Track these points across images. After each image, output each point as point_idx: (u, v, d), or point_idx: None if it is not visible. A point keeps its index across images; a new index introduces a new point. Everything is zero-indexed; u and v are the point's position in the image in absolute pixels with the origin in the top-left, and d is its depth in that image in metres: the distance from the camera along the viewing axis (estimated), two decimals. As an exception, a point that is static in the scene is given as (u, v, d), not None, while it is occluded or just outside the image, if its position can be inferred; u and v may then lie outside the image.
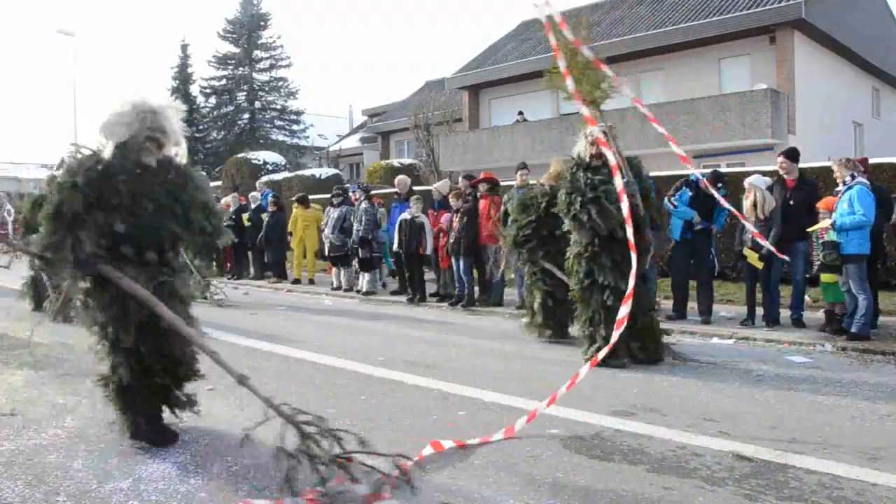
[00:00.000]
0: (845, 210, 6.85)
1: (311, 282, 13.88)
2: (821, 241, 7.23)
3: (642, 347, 6.02)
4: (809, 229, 7.55)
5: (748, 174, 8.89)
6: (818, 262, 7.26)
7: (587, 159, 6.17)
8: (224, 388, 5.25)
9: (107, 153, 3.77)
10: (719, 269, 10.69)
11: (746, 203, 7.77)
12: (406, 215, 10.96)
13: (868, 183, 7.04)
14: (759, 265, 7.60)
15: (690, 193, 8.30)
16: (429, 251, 10.82)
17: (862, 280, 6.82)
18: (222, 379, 5.53)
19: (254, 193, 15.85)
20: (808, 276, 7.95)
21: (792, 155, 7.96)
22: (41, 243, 3.73)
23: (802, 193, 7.74)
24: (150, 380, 3.89)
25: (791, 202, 7.68)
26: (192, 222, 4.00)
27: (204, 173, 4.69)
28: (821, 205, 7.53)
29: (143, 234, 3.83)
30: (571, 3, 27.16)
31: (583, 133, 6.22)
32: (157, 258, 3.90)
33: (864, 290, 6.82)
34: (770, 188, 7.80)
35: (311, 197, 14.98)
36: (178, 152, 4.10)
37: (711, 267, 8.51)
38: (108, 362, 3.91)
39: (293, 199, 14.59)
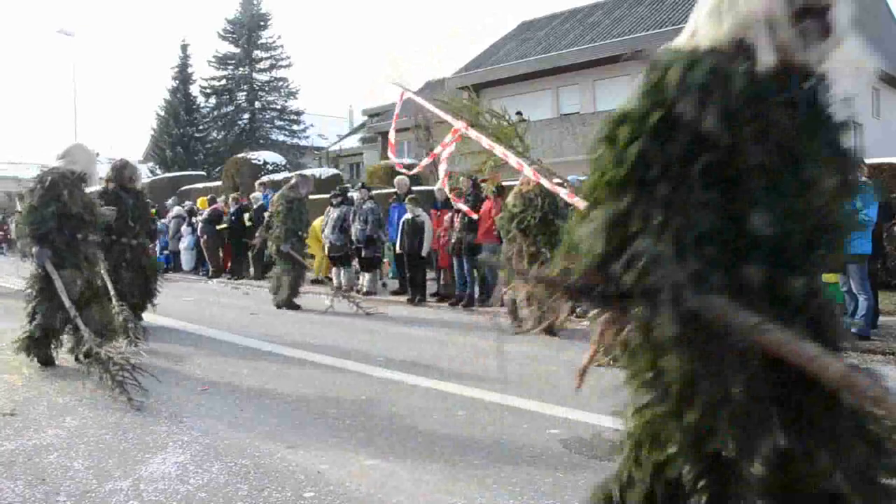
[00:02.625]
0: (847, 210, 6.86)
1: (320, 281, 13.92)
2: (822, 241, 7.24)
3: None
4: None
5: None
6: None
7: None
8: (223, 389, 5.27)
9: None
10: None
11: None
12: (408, 216, 11.00)
13: (872, 183, 7.07)
14: None
15: None
16: (423, 252, 10.84)
17: (863, 280, 6.82)
18: (222, 379, 5.56)
19: (255, 194, 15.84)
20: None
21: None
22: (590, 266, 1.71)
23: None
24: None
25: None
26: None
27: None
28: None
29: (798, 236, 1.70)
30: (573, 3, 27.27)
31: None
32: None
33: (865, 291, 6.82)
34: None
35: (310, 197, 14.95)
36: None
37: None
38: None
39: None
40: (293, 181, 10.66)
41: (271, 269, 14.51)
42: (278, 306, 10.17)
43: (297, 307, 10.14)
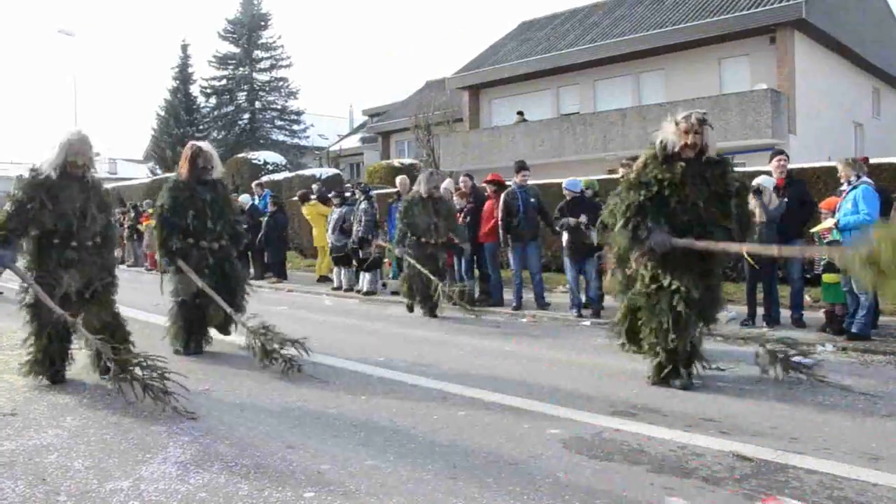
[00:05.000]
0: (849, 210, 6.86)
1: (323, 279, 13.90)
2: (824, 241, 7.23)
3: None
4: (813, 229, 7.57)
5: (748, 174, 8.88)
6: (822, 262, 7.26)
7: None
8: (224, 388, 5.27)
9: None
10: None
11: (754, 202, 7.77)
12: None
13: (872, 183, 7.07)
14: (758, 266, 7.61)
15: None
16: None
17: (864, 280, 6.82)
18: (223, 379, 5.56)
19: (242, 196, 15.66)
20: (807, 276, 7.96)
21: (787, 155, 8.18)
22: None
23: (793, 192, 7.84)
24: None
25: (784, 201, 7.75)
26: None
27: None
28: (823, 205, 7.56)
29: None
30: (573, 3, 27.26)
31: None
32: None
33: (867, 291, 6.82)
34: (776, 188, 7.84)
35: (311, 197, 14.95)
36: None
37: None
38: None
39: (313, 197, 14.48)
40: (419, 178, 9.61)
41: (269, 270, 14.56)
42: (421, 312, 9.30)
43: (434, 311, 9.08)
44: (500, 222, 9.62)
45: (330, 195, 13.80)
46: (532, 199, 9.58)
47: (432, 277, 8.88)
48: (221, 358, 6.45)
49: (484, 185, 10.56)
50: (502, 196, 9.73)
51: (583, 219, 8.76)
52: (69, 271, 5.17)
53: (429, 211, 9.10)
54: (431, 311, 9.07)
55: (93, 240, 5.32)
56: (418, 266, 8.93)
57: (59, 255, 5.16)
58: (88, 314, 5.32)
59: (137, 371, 4.69)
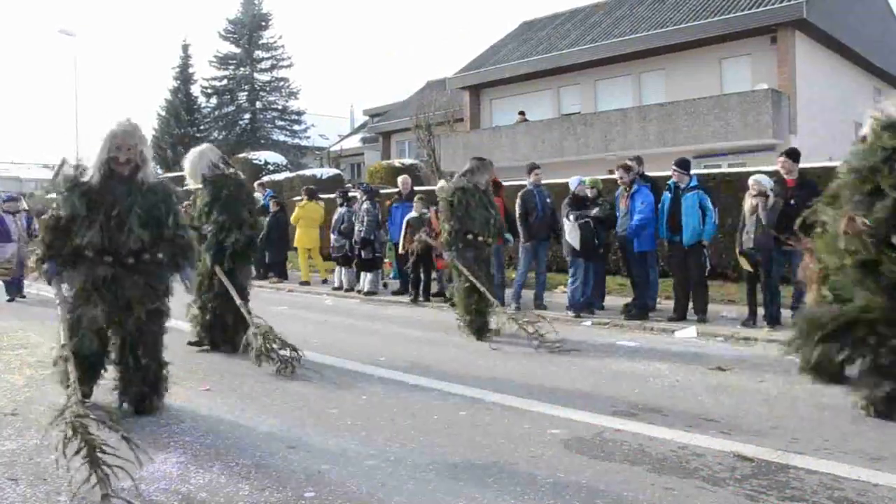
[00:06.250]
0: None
1: (324, 281, 13.89)
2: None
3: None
4: (817, 229, 7.58)
5: (749, 174, 8.88)
6: None
7: None
8: (225, 388, 5.27)
9: None
10: (719, 270, 10.68)
11: (754, 202, 7.75)
12: (414, 214, 11.02)
13: None
14: (752, 269, 7.69)
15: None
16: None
17: (867, 280, 6.83)
18: (223, 379, 5.56)
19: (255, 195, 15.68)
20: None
21: (793, 155, 8.04)
22: None
23: (804, 193, 7.76)
24: None
25: (792, 202, 7.69)
26: None
27: None
28: (824, 205, 7.57)
29: None
30: (574, 3, 27.26)
31: None
32: None
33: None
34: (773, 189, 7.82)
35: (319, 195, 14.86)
36: None
37: (704, 267, 8.47)
38: None
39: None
40: (468, 165, 7.90)
41: (271, 270, 14.52)
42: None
43: (483, 333, 7.48)
44: (518, 219, 9.70)
45: (333, 195, 13.80)
46: (548, 199, 9.72)
47: (491, 298, 7.39)
48: (222, 358, 6.45)
49: None
50: (519, 195, 9.83)
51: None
52: (100, 291, 4.32)
53: (485, 203, 7.68)
54: (480, 332, 7.46)
55: (135, 256, 4.39)
56: (476, 282, 7.36)
57: (91, 271, 4.33)
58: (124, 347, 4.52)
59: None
